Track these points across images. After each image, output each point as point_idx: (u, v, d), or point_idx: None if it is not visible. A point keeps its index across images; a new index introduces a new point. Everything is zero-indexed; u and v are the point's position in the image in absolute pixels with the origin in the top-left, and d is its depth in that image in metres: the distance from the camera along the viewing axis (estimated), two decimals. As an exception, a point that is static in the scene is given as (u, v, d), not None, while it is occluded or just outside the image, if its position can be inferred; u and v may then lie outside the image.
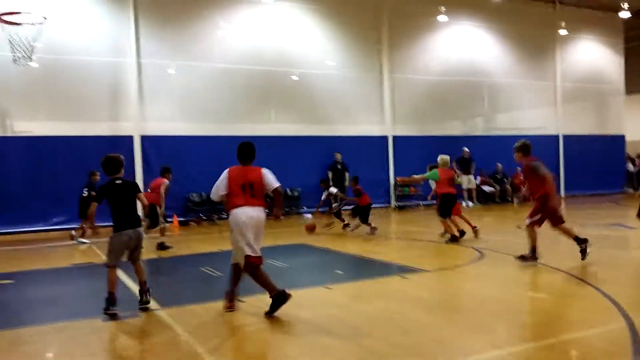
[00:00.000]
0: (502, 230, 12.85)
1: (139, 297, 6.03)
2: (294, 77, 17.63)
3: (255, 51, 16.69)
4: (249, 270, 5.65)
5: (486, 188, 20.00)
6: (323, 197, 13.14)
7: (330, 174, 17.21)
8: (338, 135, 17.87)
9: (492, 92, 21.17)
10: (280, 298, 5.53)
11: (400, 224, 15.24)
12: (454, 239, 10.29)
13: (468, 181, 19.11)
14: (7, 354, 4.73)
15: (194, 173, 15.30)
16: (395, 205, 18.69)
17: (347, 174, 17.20)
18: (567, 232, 7.81)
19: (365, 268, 8.33)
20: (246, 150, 5.95)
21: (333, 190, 13.04)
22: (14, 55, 8.38)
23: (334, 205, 14.01)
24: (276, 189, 5.84)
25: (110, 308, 5.66)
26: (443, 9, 19.66)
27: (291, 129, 17.40)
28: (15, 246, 10.21)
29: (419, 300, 6.05)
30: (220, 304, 5.91)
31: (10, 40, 8.16)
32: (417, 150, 18.91)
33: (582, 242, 7.67)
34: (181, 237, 13.15)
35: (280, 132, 17.12)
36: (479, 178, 19.87)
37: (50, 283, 7.98)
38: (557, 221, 7.75)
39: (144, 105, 15.20)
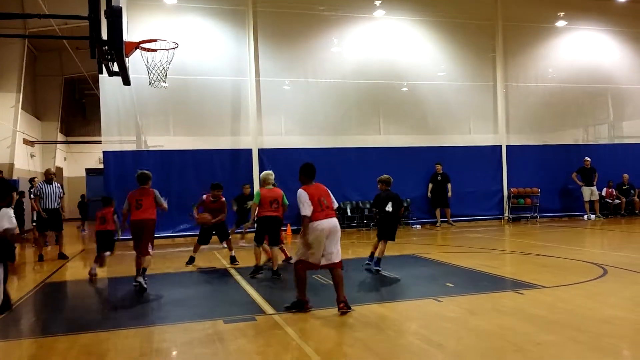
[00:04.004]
0: (627, 246, 11.99)
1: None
2: (404, 89, 17.71)
3: (366, 65, 17.01)
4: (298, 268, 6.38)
5: (611, 200, 18.71)
6: None
7: (430, 186, 17.01)
8: (448, 145, 17.65)
9: (618, 98, 19.80)
10: (299, 304, 6.32)
11: (514, 236, 14.70)
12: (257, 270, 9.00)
13: (590, 193, 17.98)
14: (141, 350, 5.27)
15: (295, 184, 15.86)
16: (509, 218, 18.03)
17: (449, 185, 16.87)
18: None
19: (477, 282, 8.19)
20: (313, 169, 6.56)
21: None
22: (150, 78, 9.29)
23: None
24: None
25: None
26: (562, 14, 18.82)
27: (400, 140, 17.47)
28: (160, 250, 11.20)
29: (535, 318, 5.88)
30: (328, 311, 6.20)
31: (147, 65, 9.08)
32: (532, 160, 18.24)
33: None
34: (294, 245, 13.65)
35: (389, 143, 17.26)
36: (604, 190, 18.64)
37: (177, 286, 8.66)
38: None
39: (261, 120, 16.07)
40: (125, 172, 14.76)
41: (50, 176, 12.32)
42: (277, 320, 6.08)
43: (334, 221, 6.35)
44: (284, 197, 9.11)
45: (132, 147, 15.24)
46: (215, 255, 11.69)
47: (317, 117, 16.71)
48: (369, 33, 17.31)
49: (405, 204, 9.35)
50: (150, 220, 8.34)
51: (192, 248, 10.81)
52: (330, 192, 6.54)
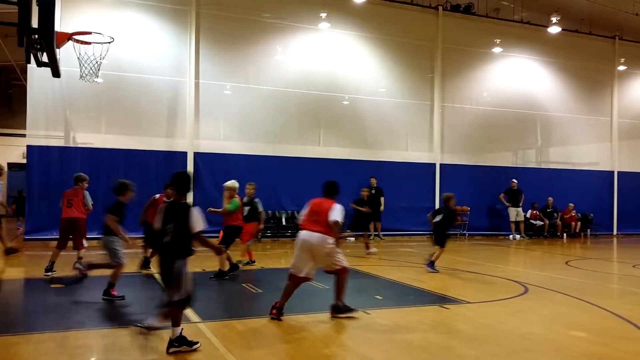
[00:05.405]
0: (548, 266, 12.53)
1: None
2: (345, 102, 17.88)
3: (308, 75, 17.05)
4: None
5: (535, 222, 19.56)
6: None
7: None
8: (385, 160, 17.92)
9: (546, 125, 20.80)
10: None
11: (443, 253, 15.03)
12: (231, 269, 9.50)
13: (516, 214, 18.74)
14: (54, 355, 4.97)
15: (242, 191, 15.65)
16: (440, 234, 18.45)
17: (382, 199, 17.10)
18: None
19: (405, 295, 8.30)
20: (329, 186, 6.77)
21: None
22: (81, 72, 8.91)
23: None
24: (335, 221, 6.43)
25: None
26: (498, 40, 19.63)
27: (339, 152, 17.58)
28: (69, 252, 10.71)
29: (458, 332, 6.01)
30: (257, 320, 6.07)
31: (79, 58, 8.71)
32: (465, 179, 18.78)
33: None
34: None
35: (327, 155, 17.34)
36: (529, 211, 19.47)
37: (99, 289, 8.26)
38: None
39: (198, 124, 15.72)
40: (50, 168, 14.07)
41: (1, 171, 11.88)
42: (201, 328, 5.91)
43: (311, 234, 6.38)
44: None
45: (59, 142, 14.51)
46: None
47: (257, 124, 16.56)
48: (313, 44, 17.39)
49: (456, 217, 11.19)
50: (79, 218, 9.19)
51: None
52: (332, 209, 6.44)
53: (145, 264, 9.87)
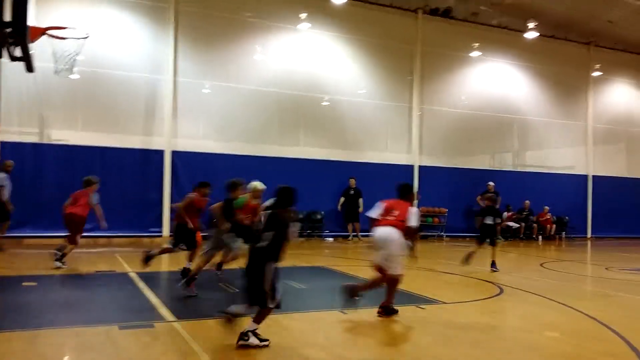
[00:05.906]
0: (523, 268, 12.69)
1: None
2: (325, 103, 17.88)
3: (288, 76, 17.03)
4: None
5: (511, 224, 19.79)
6: None
7: (342, 199, 17.26)
8: (364, 161, 17.97)
9: (522, 128, 21.09)
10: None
11: (420, 253, 15.07)
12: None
13: (493, 216, 18.91)
14: (23, 354, 4.86)
15: (220, 190, 15.52)
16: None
17: (361, 200, 17.16)
18: None
19: (382, 295, 8.28)
20: (401, 188, 7.09)
21: None
22: (56, 67, 8.75)
23: None
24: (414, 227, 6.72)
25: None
26: (476, 44, 19.84)
27: (318, 152, 17.59)
28: (43, 250, 10.53)
29: (433, 332, 6.04)
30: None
31: (53, 53, 8.55)
32: (443, 181, 18.94)
33: None
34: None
35: (307, 155, 17.32)
36: (505, 214, 19.67)
37: (72, 288, 8.15)
38: None
39: (176, 122, 15.58)
40: (24, 165, 13.79)
41: (9, 168, 12.06)
42: (176, 327, 5.84)
43: (385, 229, 6.60)
44: None
45: (33, 139, 14.26)
46: (117, 259, 11.15)
47: (237, 123, 16.47)
48: (293, 44, 17.37)
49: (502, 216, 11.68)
50: (75, 214, 9.63)
51: (90, 250, 10.25)
52: (410, 211, 6.69)
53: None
